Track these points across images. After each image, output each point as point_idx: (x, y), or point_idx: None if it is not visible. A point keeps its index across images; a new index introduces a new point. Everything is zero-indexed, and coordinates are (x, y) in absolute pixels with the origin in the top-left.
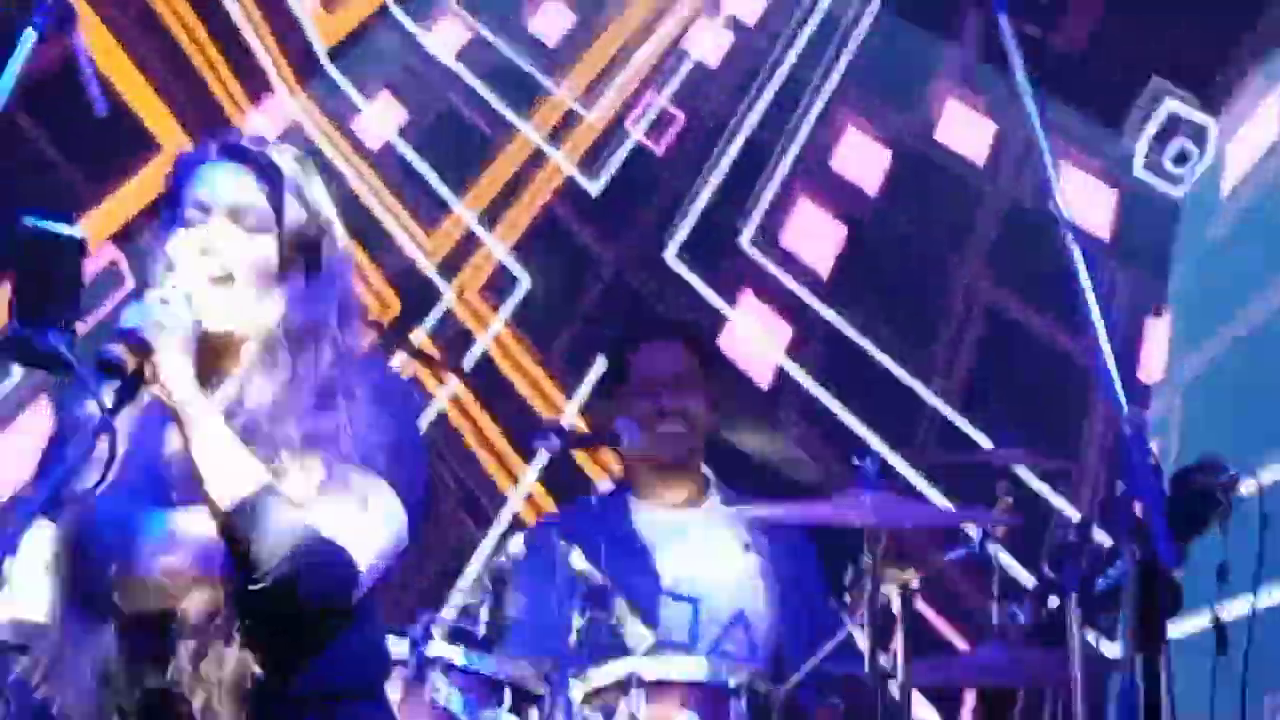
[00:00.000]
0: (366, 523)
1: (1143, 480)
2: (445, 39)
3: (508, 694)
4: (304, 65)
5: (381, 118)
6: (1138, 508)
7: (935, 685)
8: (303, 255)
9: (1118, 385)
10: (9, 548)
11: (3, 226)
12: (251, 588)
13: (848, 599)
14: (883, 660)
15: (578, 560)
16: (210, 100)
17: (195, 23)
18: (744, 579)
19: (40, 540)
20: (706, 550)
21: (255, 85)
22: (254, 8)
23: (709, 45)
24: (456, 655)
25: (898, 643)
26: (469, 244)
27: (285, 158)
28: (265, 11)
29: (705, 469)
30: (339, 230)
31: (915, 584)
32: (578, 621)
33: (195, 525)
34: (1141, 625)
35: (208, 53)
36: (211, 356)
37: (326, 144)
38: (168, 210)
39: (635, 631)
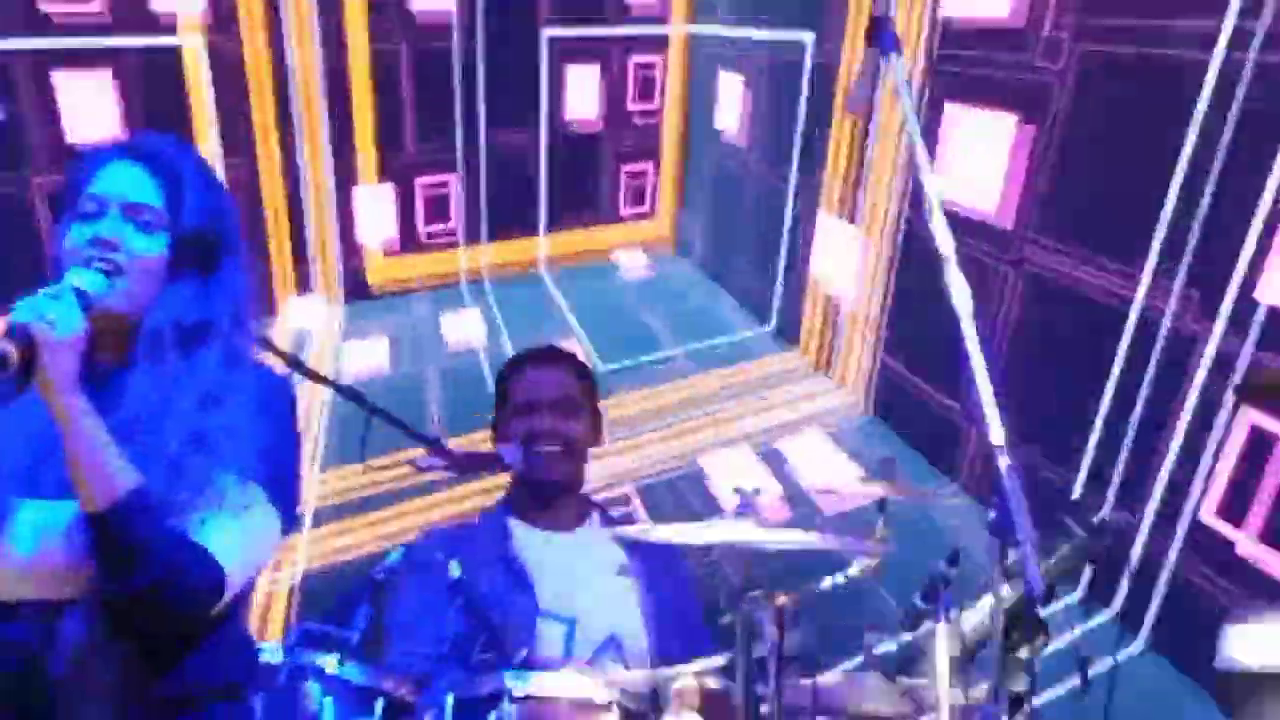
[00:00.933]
0: (239, 532)
1: (1014, 519)
2: None
3: (379, 704)
4: None
5: None
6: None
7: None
8: (198, 255)
9: (995, 424)
10: None
11: None
12: (116, 589)
13: (724, 620)
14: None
15: (455, 571)
16: None
17: None
18: (618, 601)
19: None
20: (583, 572)
21: None
22: None
23: None
24: (330, 663)
25: (770, 666)
26: None
27: (188, 159)
28: None
29: (585, 493)
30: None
31: (790, 607)
32: (451, 633)
33: (65, 519)
34: (1005, 658)
35: None
36: (100, 350)
37: None
38: (68, 206)
39: (509, 647)
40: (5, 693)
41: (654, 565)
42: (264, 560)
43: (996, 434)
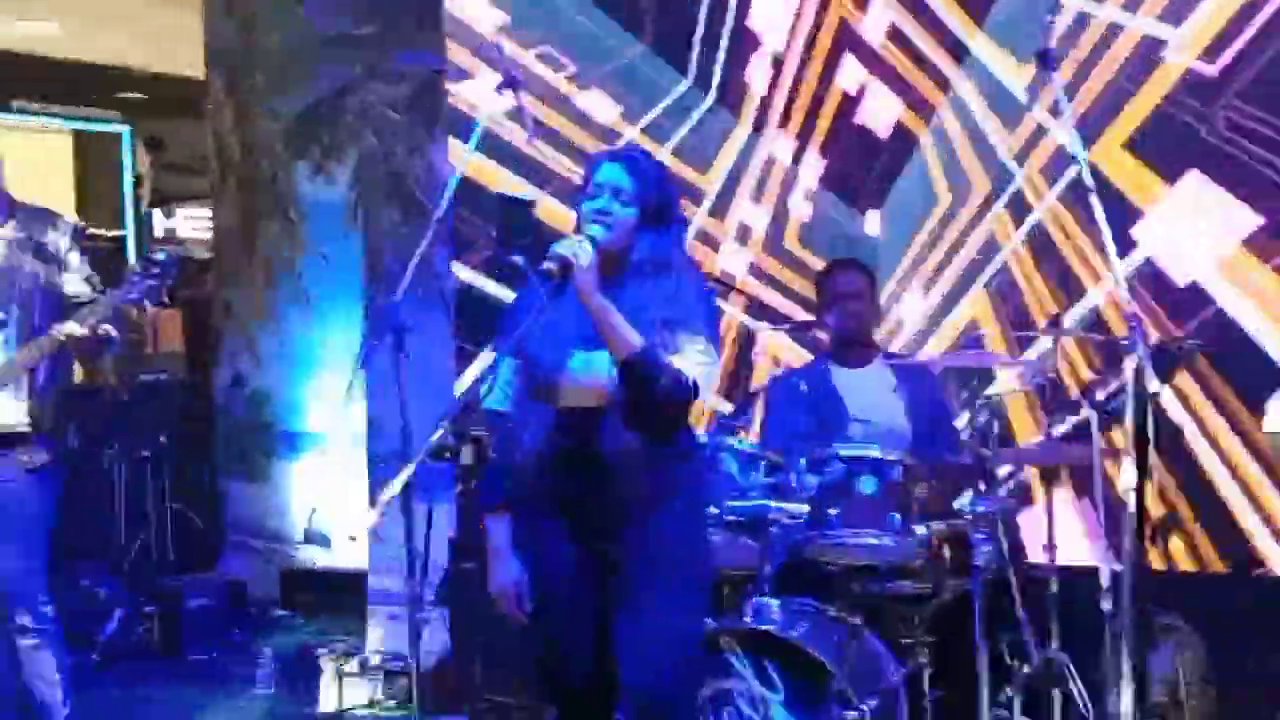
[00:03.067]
0: (698, 365)
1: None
2: None
3: (764, 463)
4: None
5: None
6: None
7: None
8: (654, 216)
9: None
10: (501, 361)
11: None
12: (636, 398)
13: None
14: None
15: (803, 388)
16: None
17: None
18: (894, 408)
19: (509, 364)
20: (874, 392)
21: None
22: None
23: None
24: (735, 441)
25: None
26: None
27: (648, 159)
28: None
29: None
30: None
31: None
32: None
33: (602, 361)
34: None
35: None
36: (605, 271)
37: None
38: (583, 190)
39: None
40: (568, 457)
41: (915, 385)
42: (713, 385)
43: None
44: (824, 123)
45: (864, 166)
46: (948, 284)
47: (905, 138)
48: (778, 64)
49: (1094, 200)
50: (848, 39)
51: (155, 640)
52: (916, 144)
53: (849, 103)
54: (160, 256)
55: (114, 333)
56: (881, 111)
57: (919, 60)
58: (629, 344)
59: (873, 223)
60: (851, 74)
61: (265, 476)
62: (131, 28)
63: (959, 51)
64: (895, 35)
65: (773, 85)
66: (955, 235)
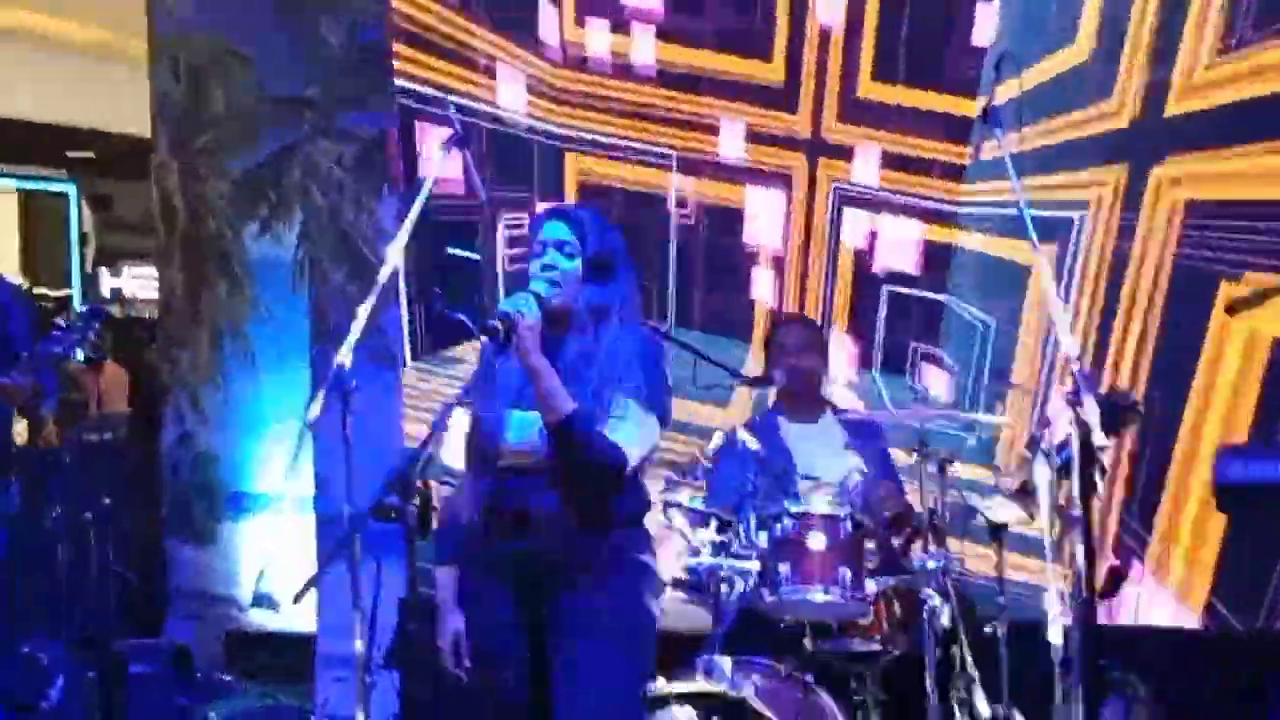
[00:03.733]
0: (635, 430)
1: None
2: None
3: (713, 521)
4: None
5: None
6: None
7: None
8: (598, 269)
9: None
10: (442, 425)
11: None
12: (566, 464)
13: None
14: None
15: (751, 443)
16: None
17: None
18: (843, 464)
19: (460, 420)
20: (824, 447)
21: None
22: None
23: None
24: (684, 499)
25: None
26: None
27: (589, 214)
28: None
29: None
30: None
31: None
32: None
33: (535, 423)
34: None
35: None
36: (550, 327)
37: None
38: (529, 249)
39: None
40: (506, 517)
41: (866, 439)
42: (651, 445)
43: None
44: None
45: None
46: None
47: None
48: None
49: (1039, 256)
50: None
51: (98, 706)
52: None
53: None
54: (83, 309)
55: (47, 388)
56: None
57: None
58: (559, 409)
59: None
60: None
61: (212, 539)
62: (78, 86)
63: None
64: None
65: None
66: None
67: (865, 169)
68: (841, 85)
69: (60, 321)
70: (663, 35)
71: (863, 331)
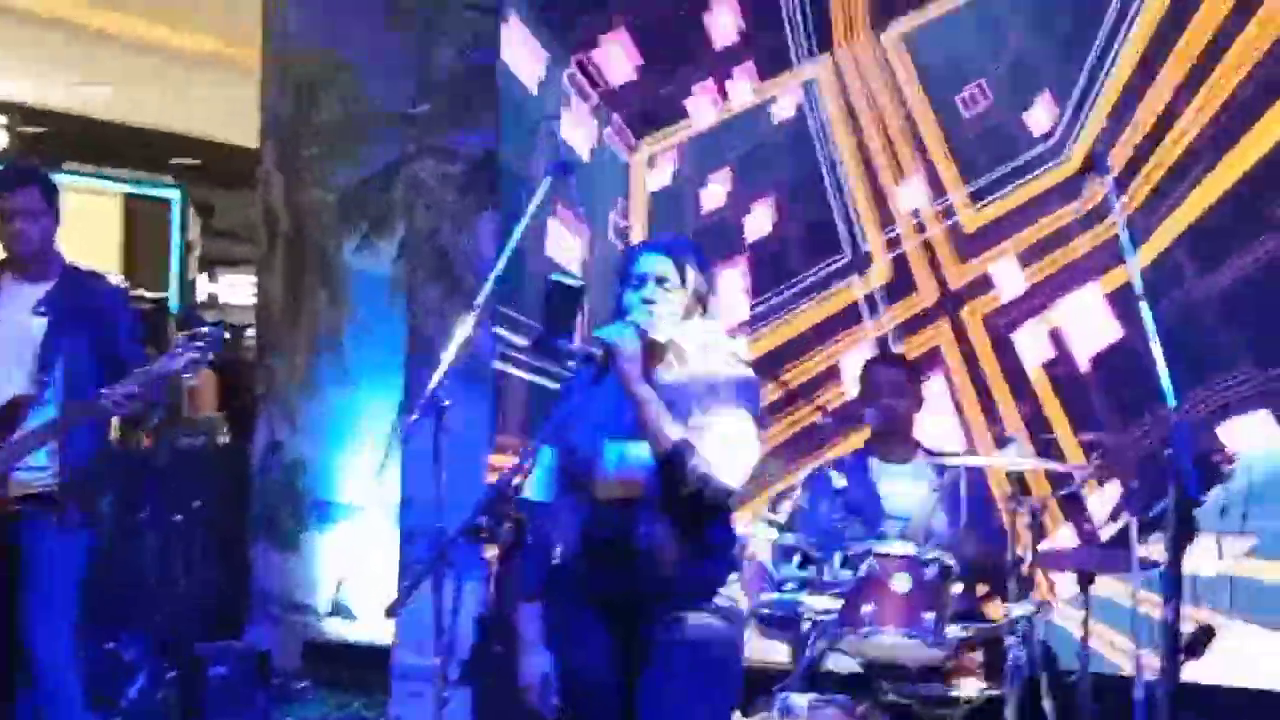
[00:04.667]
0: (738, 455)
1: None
2: None
3: (797, 556)
4: None
5: None
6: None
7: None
8: (696, 303)
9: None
10: (533, 456)
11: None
12: (673, 492)
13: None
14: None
15: (839, 483)
16: None
17: None
18: (932, 508)
19: (549, 452)
20: (913, 489)
21: None
22: None
23: None
24: (771, 535)
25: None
26: None
27: (686, 243)
28: None
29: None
30: None
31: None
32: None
33: (639, 452)
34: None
35: None
36: (650, 359)
37: None
38: (622, 281)
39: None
40: (602, 548)
41: (955, 483)
42: (751, 463)
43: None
44: None
45: None
46: None
47: None
48: None
49: (1143, 306)
50: None
51: (176, 706)
52: None
53: None
54: (206, 329)
55: (158, 400)
56: None
57: None
58: (667, 437)
59: None
60: None
61: (296, 545)
62: (186, 94)
63: None
64: None
65: None
66: None
67: (1010, 282)
68: (949, 235)
69: (182, 339)
70: None
71: None
